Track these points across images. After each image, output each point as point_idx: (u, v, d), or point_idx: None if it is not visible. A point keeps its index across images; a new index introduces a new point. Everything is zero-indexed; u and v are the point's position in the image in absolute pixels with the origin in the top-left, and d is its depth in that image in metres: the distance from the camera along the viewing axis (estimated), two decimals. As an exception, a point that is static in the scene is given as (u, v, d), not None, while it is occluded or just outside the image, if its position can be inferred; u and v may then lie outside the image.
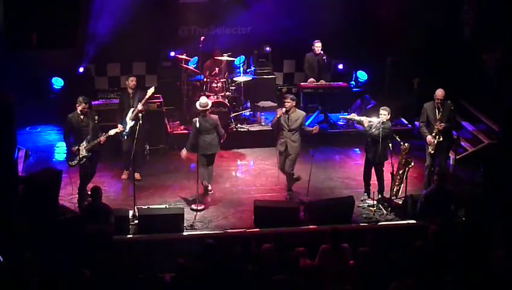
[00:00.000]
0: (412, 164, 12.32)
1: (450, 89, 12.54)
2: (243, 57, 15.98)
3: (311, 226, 11.74)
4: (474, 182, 13.23)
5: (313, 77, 15.48)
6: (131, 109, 12.80)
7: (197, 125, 12.24)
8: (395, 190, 12.37)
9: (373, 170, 12.41)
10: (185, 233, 11.49)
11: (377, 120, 12.05)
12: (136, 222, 11.59)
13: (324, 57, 15.38)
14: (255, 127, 15.36)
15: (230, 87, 15.22)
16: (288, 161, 12.46)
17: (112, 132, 12.15)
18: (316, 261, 9.65)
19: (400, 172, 12.31)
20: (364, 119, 12.22)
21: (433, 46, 15.59)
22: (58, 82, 15.52)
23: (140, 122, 12.31)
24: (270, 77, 16.75)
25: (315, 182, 12.83)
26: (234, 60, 15.55)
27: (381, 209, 12.20)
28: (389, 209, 12.19)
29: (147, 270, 8.88)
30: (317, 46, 15.31)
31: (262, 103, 16.52)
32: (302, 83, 15.65)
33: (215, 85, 14.85)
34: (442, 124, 12.22)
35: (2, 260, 8.90)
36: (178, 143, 14.66)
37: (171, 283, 8.93)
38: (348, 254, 9.75)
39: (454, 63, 15.35)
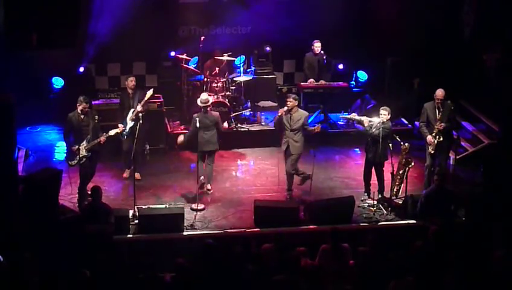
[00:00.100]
0: (412, 163, 12.33)
1: (450, 89, 12.54)
2: (243, 56, 15.97)
3: (311, 226, 11.74)
4: (474, 182, 13.23)
5: (313, 77, 15.48)
6: (132, 110, 12.80)
7: (197, 124, 12.26)
8: (395, 189, 12.37)
9: (373, 170, 12.41)
10: (185, 233, 11.49)
11: (378, 120, 12.05)
12: (136, 221, 11.60)
13: (324, 57, 15.39)
14: (255, 127, 15.36)
15: (231, 87, 15.22)
16: (289, 160, 12.46)
17: (112, 132, 12.16)
18: (316, 261, 9.65)
19: (400, 172, 12.32)
20: (365, 119, 12.21)
21: (433, 46, 15.59)
22: (58, 82, 15.52)
23: (141, 122, 12.32)
24: (270, 76, 16.75)
25: (315, 182, 12.83)
26: (234, 60, 15.54)
27: (381, 209, 12.20)
28: (389, 209, 12.19)
29: (147, 270, 8.88)
30: (317, 46, 15.31)
31: (262, 103, 16.52)
32: (302, 83, 15.65)
33: (215, 85, 14.86)
34: (443, 124, 12.22)
35: (2, 260, 8.90)
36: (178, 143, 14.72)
37: (171, 283, 8.94)
38: (348, 254, 9.75)
39: (454, 63, 15.35)
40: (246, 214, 12.07)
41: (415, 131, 14.49)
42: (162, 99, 14.75)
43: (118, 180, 13.31)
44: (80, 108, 11.91)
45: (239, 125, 15.16)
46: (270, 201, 12.34)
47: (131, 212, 11.75)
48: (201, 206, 12.19)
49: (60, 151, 14.25)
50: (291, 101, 12.31)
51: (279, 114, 12.43)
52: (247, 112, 15.62)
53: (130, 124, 12.71)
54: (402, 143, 12.29)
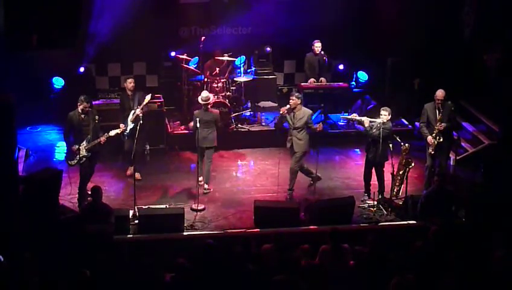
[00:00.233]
0: (413, 164, 12.32)
1: (450, 89, 12.53)
2: (244, 57, 15.97)
3: (311, 227, 11.73)
4: (474, 183, 13.23)
5: (313, 77, 15.48)
6: (132, 111, 12.80)
7: (197, 125, 12.28)
8: (395, 190, 12.37)
9: (373, 170, 12.41)
10: (185, 233, 11.49)
11: (378, 120, 12.05)
12: (136, 221, 11.59)
13: (325, 58, 15.39)
14: (255, 127, 15.36)
15: (231, 88, 15.22)
16: (293, 157, 12.49)
17: (112, 133, 12.15)
18: (317, 261, 9.64)
19: (400, 172, 12.31)
20: (365, 120, 12.21)
21: (433, 46, 15.59)
22: (58, 82, 15.52)
23: (141, 122, 12.34)
24: (270, 77, 16.76)
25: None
26: (235, 60, 15.54)
27: (381, 209, 12.20)
28: (390, 209, 12.19)
29: (147, 270, 8.88)
30: (317, 46, 15.31)
31: (262, 103, 16.53)
32: (302, 83, 15.65)
33: (215, 85, 14.86)
34: (443, 124, 12.22)
35: (2, 260, 8.89)
36: (178, 143, 14.73)
37: (171, 283, 8.93)
38: (348, 255, 9.74)
39: (454, 64, 15.35)
40: (246, 214, 12.07)
41: (415, 131, 14.49)
42: (162, 100, 14.76)
43: (118, 180, 13.31)
44: (80, 107, 11.91)
45: (239, 125, 15.16)
46: (270, 201, 12.34)
47: (131, 212, 11.75)
48: (201, 206, 12.20)
49: (60, 151, 14.25)
50: (294, 100, 12.33)
51: (281, 112, 12.44)
52: (247, 112, 15.62)
53: (130, 125, 12.71)
54: (402, 143, 12.29)
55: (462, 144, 14.47)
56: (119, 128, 12.45)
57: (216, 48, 15.41)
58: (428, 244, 9.64)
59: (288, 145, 12.52)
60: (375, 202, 12.32)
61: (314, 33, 15.72)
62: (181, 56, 15.35)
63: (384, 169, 12.32)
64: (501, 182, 12.10)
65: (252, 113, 15.71)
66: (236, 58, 15.54)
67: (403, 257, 9.46)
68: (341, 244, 9.78)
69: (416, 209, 11.61)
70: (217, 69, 15.11)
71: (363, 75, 16.42)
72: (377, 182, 12.45)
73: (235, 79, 15.35)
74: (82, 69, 15.63)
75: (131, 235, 11.40)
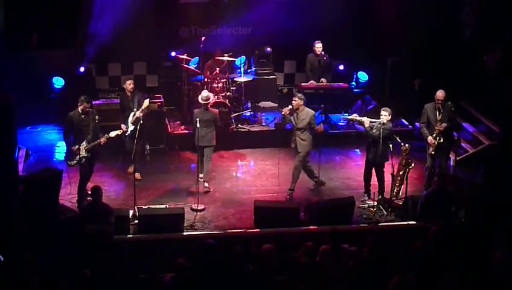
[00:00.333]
0: (413, 164, 12.32)
1: (450, 89, 12.53)
2: (244, 57, 15.97)
3: (311, 227, 11.73)
4: (474, 183, 13.24)
5: (314, 78, 15.48)
6: (132, 113, 12.81)
7: (198, 125, 12.31)
8: (395, 190, 12.36)
9: (373, 170, 12.41)
10: (185, 233, 11.49)
11: (378, 121, 12.04)
12: (136, 221, 11.59)
13: (325, 58, 15.39)
14: (255, 128, 15.37)
15: (231, 88, 15.23)
16: (296, 157, 12.52)
17: (112, 134, 12.14)
18: (317, 260, 9.64)
19: (400, 173, 12.31)
20: (366, 120, 12.20)
21: (433, 46, 15.59)
22: (59, 82, 15.52)
23: (141, 122, 12.35)
24: (270, 77, 16.77)
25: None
26: (235, 60, 15.54)
27: (381, 210, 12.19)
28: (390, 210, 12.19)
29: (147, 270, 8.88)
30: (318, 46, 15.32)
31: (262, 104, 16.53)
32: (302, 84, 15.65)
33: (215, 85, 14.86)
34: (443, 124, 12.21)
35: (2, 259, 8.89)
36: (178, 143, 14.72)
37: (171, 283, 8.93)
38: (348, 255, 9.73)
39: (454, 64, 15.34)
40: (246, 214, 12.07)
41: (416, 132, 14.48)
42: (162, 100, 14.76)
43: (118, 180, 13.31)
44: (80, 108, 11.91)
45: (239, 125, 15.16)
46: (270, 201, 12.34)
47: (131, 212, 11.74)
48: (201, 206, 12.19)
49: (60, 151, 14.24)
50: (296, 101, 12.34)
51: (283, 113, 12.45)
52: (247, 113, 15.63)
53: (131, 127, 12.72)
54: (402, 144, 12.29)
55: (462, 144, 14.46)
56: (120, 129, 12.46)
57: (216, 48, 15.41)
58: (428, 245, 9.63)
59: (293, 145, 12.55)
60: (375, 203, 12.31)
61: (314, 33, 15.73)
62: (181, 56, 15.35)
63: (384, 169, 12.32)
64: (501, 183, 12.11)
65: (252, 113, 15.71)
66: (236, 58, 15.54)
67: (403, 257, 9.47)
68: (341, 244, 9.78)
69: (416, 210, 11.61)
70: (217, 69, 15.11)
71: (363, 76, 16.42)
72: (377, 183, 12.44)
73: (235, 79, 15.35)
74: (82, 69, 15.64)
75: (131, 235, 11.40)
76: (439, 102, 12.25)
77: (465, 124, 15.24)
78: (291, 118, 12.43)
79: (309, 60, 15.58)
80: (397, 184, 12.35)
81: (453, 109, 12.45)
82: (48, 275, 8.86)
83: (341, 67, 16.47)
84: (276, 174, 13.02)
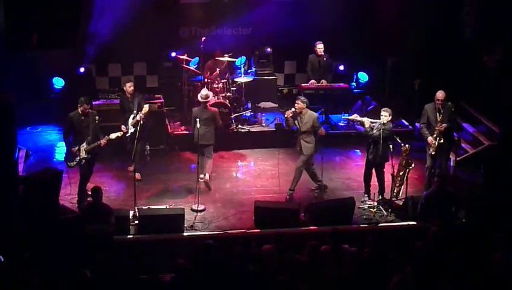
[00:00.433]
0: (413, 165, 12.31)
1: (450, 90, 12.52)
2: (244, 57, 15.96)
3: (311, 227, 11.73)
4: (474, 184, 13.23)
5: (315, 79, 15.47)
6: (132, 115, 12.80)
7: (198, 125, 12.34)
8: (395, 191, 12.35)
9: (373, 171, 12.41)
10: (185, 233, 11.49)
11: (379, 121, 12.04)
12: (137, 222, 11.59)
13: (325, 58, 15.39)
14: (255, 128, 15.36)
15: (231, 88, 15.22)
16: (300, 157, 12.52)
17: (113, 136, 12.13)
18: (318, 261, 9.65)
19: (401, 173, 12.30)
20: (366, 120, 12.20)
21: (433, 46, 15.59)
22: (59, 82, 15.52)
23: (141, 122, 12.35)
24: (271, 77, 16.75)
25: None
26: (235, 61, 15.53)
27: (381, 210, 12.19)
28: (390, 210, 12.18)
29: (147, 270, 8.88)
30: (319, 47, 15.30)
31: (263, 104, 16.53)
32: (303, 84, 15.65)
33: (216, 86, 14.85)
34: (443, 125, 12.21)
35: (2, 259, 8.89)
36: (179, 144, 14.72)
37: (171, 283, 8.93)
38: (348, 255, 9.73)
39: (454, 64, 15.34)
40: (246, 215, 12.06)
41: (416, 132, 14.48)
42: (162, 100, 14.76)
43: (118, 180, 13.31)
44: (80, 109, 11.90)
45: (239, 126, 15.16)
46: (271, 202, 12.33)
47: (131, 212, 11.74)
48: (201, 207, 12.19)
49: (61, 151, 14.23)
50: (299, 104, 12.34)
51: (286, 116, 12.44)
52: (247, 113, 15.62)
53: (131, 129, 12.72)
54: (402, 144, 12.28)
55: (462, 145, 14.44)
56: (120, 130, 12.46)
57: (216, 48, 15.39)
58: (428, 245, 9.64)
59: (298, 147, 12.54)
60: (376, 203, 12.31)
61: (314, 34, 15.74)
62: (181, 56, 15.34)
63: (384, 170, 12.32)
64: (501, 183, 12.10)
65: (252, 113, 15.71)
66: (236, 58, 15.54)
67: (403, 257, 9.47)
68: (341, 244, 9.78)
69: (416, 210, 11.61)
70: (217, 69, 15.11)
71: (363, 76, 16.41)
72: (377, 183, 12.44)
73: (235, 80, 15.35)
74: (82, 70, 15.64)
75: (131, 236, 11.40)
76: (439, 102, 12.25)
77: (465, 125, 15.23)
78: (295, 121, 12.42)
79: (310, 61, 15.57)
80: (397, 185, 12.34)
81: (453, 109, 12.44)
82: (47, 275, 8.86)
83: (341, 67, 16.47)
84: (276, 174, 13.02)
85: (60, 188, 11.65)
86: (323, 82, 15.49)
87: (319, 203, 12.25)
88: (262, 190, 13.06)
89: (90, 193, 11.42)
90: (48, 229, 10.42)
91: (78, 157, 11.92)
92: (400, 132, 14.25)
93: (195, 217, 11.93)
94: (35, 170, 12.50)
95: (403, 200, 12.27)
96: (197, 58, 15.54)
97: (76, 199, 12.12)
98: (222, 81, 14.99)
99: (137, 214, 11.64)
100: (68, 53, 14.27)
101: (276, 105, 16.51)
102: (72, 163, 12.01)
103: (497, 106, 13.95)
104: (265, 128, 15.32)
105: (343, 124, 15.59)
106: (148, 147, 14.14)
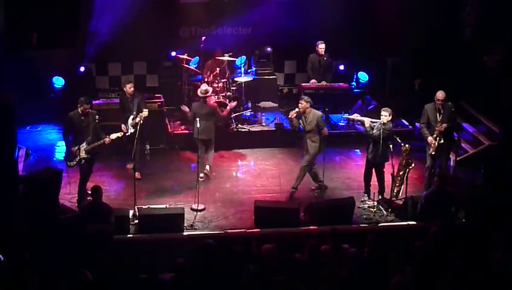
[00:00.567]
0: (413, 165, 12.31)
1: (450, 90, 12.53)
2: (244, 57, 15.96)
3: (311, 227, 11.73)
4: (474, 184, 13.24)
5: (316, 78, 15.48)
6: (131, 116, 12.80)
7: (198, 125, 12.37)
8: (395, 191, 12.36)
9: (373, 170, 12.40)
10: (185, 233, 11.49)
11: (379, 121, 12.04)
12: (136, 221, 11.59)
13: (325, 58, 15.40)
14: (255, 128, 15.36)
15: (231, 88, 15.22)
16: (305, 156, 12.53)
17: (113, 136, 12.12)
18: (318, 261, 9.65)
19: (401, 173, 12.30)
20: (366, 120, 12.21)
21: (433, 46, 15.59)
22: (59, 81, 15.52)
23: (141, 122, 12.35)
24: (271, 77, 16.76)
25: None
26: (235, 60, 15.54)
27: (381, 210, 12.20)
28: (390, 210, 12.19)
29: (147, 270, 8.88)
30: (321, 47, 15.32)
31: (263, 104, 16.53)
32: (303, 84, 15.66)
33: (216, 85, 14.85)
34: (443, 125, 12.21)
35: (2, 259, 8.89)
36: (179, 143, 14.72)
37: (171, 282, 8.93)
38: (348, 255, 9.73)
39: (454, 64, 15.34)
40: (246, 214, 12.07)
41: (416, 132, 14.48)
42: (162, 100, 14.76)
43: (118, 180, 13.31)
44: (80, 109, 11.90)
45: (239, 125, 15.16)
46: (271, 202, 12.34)
47: (131, 212, 11.74)
48: (201, 206, 12.19)
49: (60, 151, 14.23)
50: (302, 104, 12.34)
51: (289, 116, 12.44)
52: (247, 113, 15.62)
53: (131, 129, 12.73)
54: (402, 144, 12.28)
55: (462, 144, 14.45)
56: (121, 131, 12.46)
57: (216, 48, 15.39)
58: (428, 245, 9.64)
59: (305, 147, 12.54)
60: (375, 203, 12.32)
61: (314, 33, 15.75)
62: (181, 56, 15.35)
63: (384, 170, 12.32)
64: (501, 183, 12.10)
65: (252, 113, 15.71)
66: (236, 58, 15.54)
67: (403, 257, 9.47)
68: (341, 244, 9.79)
69: (416, 210, 11.61)
70: (218, 69, 15.10)
71: (363, 76, 16.42)
72: (377, 183, 12.44)
73: (235, 79, 15.35)
74: (82, 69, 15.64)
75: (131, 235, 11.40)
76: (440, 102, 12.25)
77: (465, 125, 15.24)
78: (300, 121, 12.43)
79: (310, 60, 15.58)
80: (397, 184, 12.34)
81: (453, 109, 12.44)
82: (48, 275, 8.86)
83: (341, 67, 16.48)
84: (276, 174, 13.02)
85: (60, 188, 11.66)
86: (323, 82, 15.49)
87: (319, 203, 12.25)
88: (262, 190, 13.06)
89: (90, 192, 11.42)
90: (48, 229, 10.41)
91: (78, 157, 11.93)
92: (400, 131, 14.26)
93: (195, 217, 11.93)
94: (35, 170, 12.49)
95: (403, 200, 12.27)
96: (197, 57, 15.55)
97: (76, 198, 12.13)
98: (222, 80, 14.99)
99: (137, 214, 11.65)
100: (68, 53, 14.25)
101: (276, 105, 16.52)
102: (71, 163, 12.01)
103: (497, 106, 13.95)
104: (265, 128, 15.32)
105: (343, 124, 15.59)
106: (148, 147, 14.14)
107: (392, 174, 12.26)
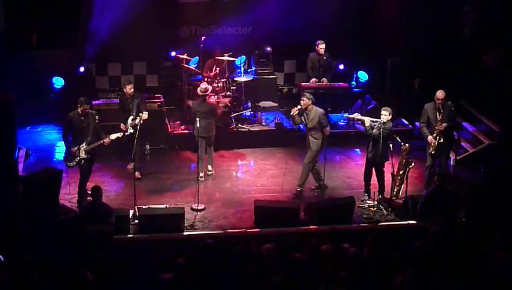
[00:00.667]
0: (413, 164, 12.31)
1: (450, 89, 12.53)
2: (244, 57, 15.98)
3: (311, 227, 11.73)
4: (474, 183, 13.24)
5: (316, 77, 15.48)
6: (131, 117, 12.80)
7: (198, 125, 12.39)
8: (395, 190, 12.36)
9: (373, 170, 12.41)
10: (185, 233, 11.49)
11: (379, 120, 12.04)
12: (137, 221, 11.59)
13: (325, 58, 15.40)
14: (255, 127, 15.36)
15: (231, 87, 15.23)
16: (308, 153, 12.55)
17: (113, 136, 12.11)
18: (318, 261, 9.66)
19: (401, 172, 12.31)
20: (366, 119, 12.21)
21: (433, 46, 15.58)
22: (58, 81, 15.53)
23: (141, 122, 12.35)
24: (270, 77, 16.77)
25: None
26: (235, 60, 15.55)
27: (381, 209, 12.20)
28: (390, 209, 12.19)
29: (147, 270, 8.87)
30: (321, 47, 15.32)
31: (263, 103, 16.53)
32: (302, 83, 15.66)
33: (216, 85, 14.85)
34: (443, 124, 12.21)
35: (2, 259, 8.89)
36: (179, 143, 14.72)
37: (171, 283, 8.93)
38: (348, 255, 9.73)
39: (454, 64, 15.33)
40: (246, 214, 12.06)
41: (416, 131, 14.48)
42: (162, 100, 14.77)
43: (118, 180, 13.30)
44: (80, 109, 11.90)
45: (239, 125, 15.16)
46: (271, 201, 12.34)
47: (131, 212, 11.74)
48: (201, 206, 12.19)
49: (60, 151, 14.22)
50: (304, 100, 12.36)
51: (292, 113, 12.45)
52: (247, 112, 15.62)
53: (131, 130, 12.73)
54: (402, 143, 12.28)
55: (462, 144, 14.46)
56: (120, 131, 12.45)
57: (216, 47, 15.40)
58: (428, 245, 9.64)
59: (308, 145, 12.55)
60: (375, 202, 12.31)
61: (314, 33, 15.74)
62: (181, 56, 15.35)
63: (384, 169, 12.32)
64: (501, 183, 12.10)
65: (252, 113, 15.71)
66: (236, 58, 15.54)
67: (403, 257, 9.47)
68: (341, 244, 9.79)
69: (416, 209, 11.61)
70: (217, 68, 15.11)
71: (363, 75, 16.43)
72: (377, 182, 12.44)
73: (235, 79, 15.35)
74: (82, 69, 15.65)
75: (131, 235, 11.40)
76: (439, 102, 12.25)
77: (465, 124, 15.24)
78: (302, 118, 12.43)
79: (310, 59, 15.59)
80: (397, 184, 12.34)
81: (453, 108, 12.44)
82: (48, 275, 8.86)
83: (341, 66, 16.49)
84: (276, 174, 13.02)
85: (60, 188, 11.65)
86: (324, 81, 15.50)
87: (319, 202, 12.26)
88: (262, 189, 13.06)
89: (90, 192, 11.43)
90: (48, 229, 10.41)
91: (78, 158, 11.93)
92: (400, 131, 14.27)
93: (195, 217, 11.93)
94: (35, 170, 12.49)
95: (403, 199, 12.27)
96: (197, 57, 15.55)
97: (76, 198, 12.13)
98: (222, 80, 14.99)
99: (137, 214, 11.65)
100: (68, 52, 14.26)
101: (276, 104, 16.52)
102: (71, 163, 12.01)
103: (497, 105, 13.95)
104: (265, 128, 15.32)
105: (343, 123, 15.59)
106: (148, 147, 14.13)
107: (392, 174, 12.27)
